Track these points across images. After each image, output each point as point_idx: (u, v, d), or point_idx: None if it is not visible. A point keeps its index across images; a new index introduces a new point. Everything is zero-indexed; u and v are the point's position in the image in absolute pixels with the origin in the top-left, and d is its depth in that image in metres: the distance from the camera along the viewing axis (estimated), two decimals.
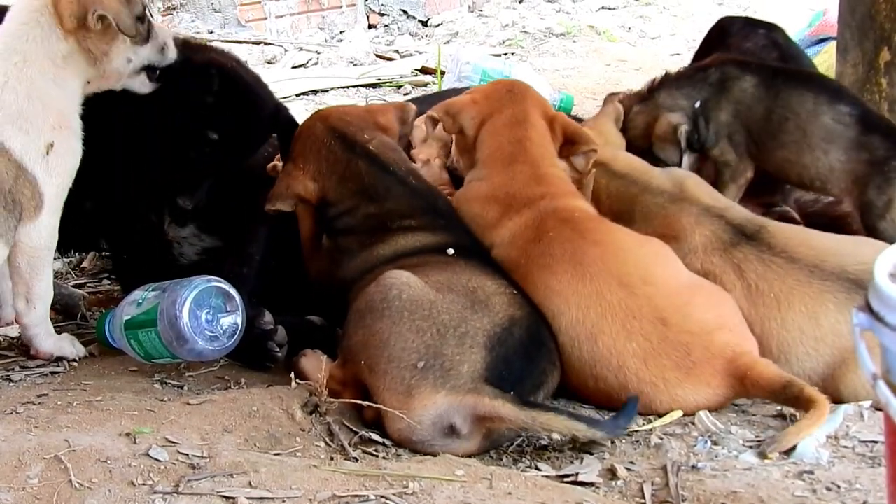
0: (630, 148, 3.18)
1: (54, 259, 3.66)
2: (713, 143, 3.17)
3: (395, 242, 2.61)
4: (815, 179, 3.03)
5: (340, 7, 8.00)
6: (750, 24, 3.64)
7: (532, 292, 2.49)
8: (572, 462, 2.19)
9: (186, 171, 2.89)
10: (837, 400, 2.36)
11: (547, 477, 2.11)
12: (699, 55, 3.71)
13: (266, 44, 7.84)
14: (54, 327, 2.77)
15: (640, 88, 3.38)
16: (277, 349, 2.69)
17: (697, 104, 3.18)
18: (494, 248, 2.66)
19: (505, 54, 7.21)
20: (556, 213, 2.63)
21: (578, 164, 2.87)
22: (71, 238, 3.64)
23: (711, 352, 2.34)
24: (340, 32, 7.95)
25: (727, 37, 3.58)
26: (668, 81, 3.28)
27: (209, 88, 2.79)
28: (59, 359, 2.72)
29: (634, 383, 2.36)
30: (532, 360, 2.34)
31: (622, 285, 2.42)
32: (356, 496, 1.88)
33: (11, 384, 2.59)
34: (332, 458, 2.15)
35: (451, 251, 2.54)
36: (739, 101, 3.13)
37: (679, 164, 3.18)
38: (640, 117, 3.28)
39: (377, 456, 2.20)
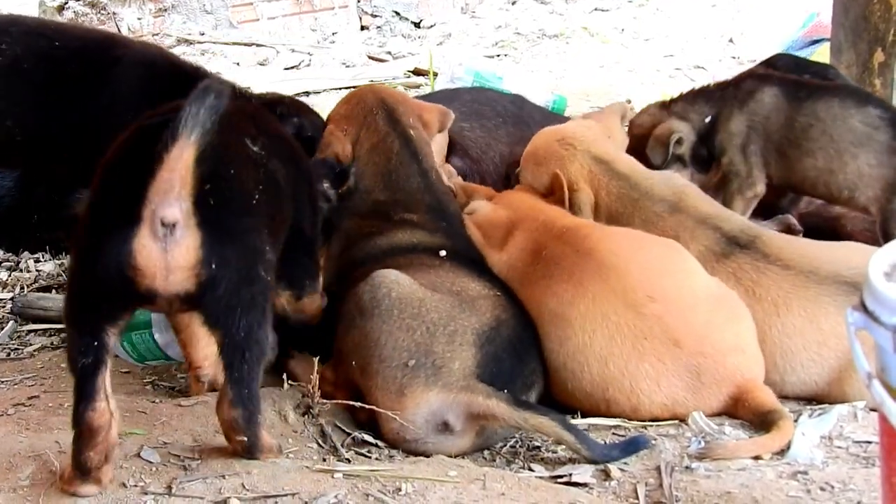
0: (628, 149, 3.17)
1: (46, 261, 3.67)
2: (720, 153, 3.13)
3: (392, 235, 2.61)
4: (843, 188, 2.94)
5: (333, 8, 7.99)
6: (799, 66, 3.51)
7: None
8: (566, 463, 2.18)
9: None
10: (841, 402, 2.36)
11: (540, 478, 2.10)
12: None
13: (258, 45, 7.83)
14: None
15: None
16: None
17: (707, 119, 3.17)
18: None
19: (498, 56, 7.21)
20: None
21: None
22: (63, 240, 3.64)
23: (722, 375, 2.31)
24: (333, 34, 7.94)
25: None
26: (688, 95, 3.29)
27: None
28: None
29: (647, 406, 2.33)
30: (522, 360, 2.33)
31: (627, 305, 2.36)
32: (349, 497, 1.88)
33: (2, 386, 2.58)
34: (324, 460, 2.14)
35: (443, 253, 2.54)
36: (755, 112, 3.07)
37: (660, 169, 3.15)
38: (649, 118, 3.31)
39: (370, 457, 2.19)
